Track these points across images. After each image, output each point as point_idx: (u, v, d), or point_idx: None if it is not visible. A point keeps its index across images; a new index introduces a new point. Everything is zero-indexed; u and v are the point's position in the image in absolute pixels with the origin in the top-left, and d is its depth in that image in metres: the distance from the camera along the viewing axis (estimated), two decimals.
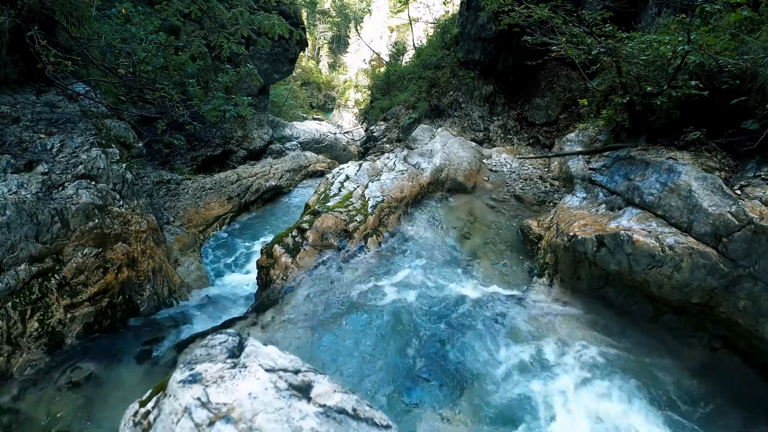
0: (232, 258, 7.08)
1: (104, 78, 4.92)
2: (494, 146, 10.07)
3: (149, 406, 1.34)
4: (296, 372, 1.37)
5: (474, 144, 9.21)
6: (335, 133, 18.99)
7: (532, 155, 9.20)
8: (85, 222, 3.71)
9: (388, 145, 11.39)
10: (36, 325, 3.27)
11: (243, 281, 6.14)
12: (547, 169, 8.30)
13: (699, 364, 3.51)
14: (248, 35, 6.49)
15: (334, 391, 1.31)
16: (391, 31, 30.47)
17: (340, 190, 6.01)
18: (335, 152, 16.68)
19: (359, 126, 22.97)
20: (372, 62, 29.43)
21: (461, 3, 11.36)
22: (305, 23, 16.04)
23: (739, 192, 3.52)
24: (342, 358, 3.67)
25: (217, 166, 10.22)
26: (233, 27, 6.42)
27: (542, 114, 10.10)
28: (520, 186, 7.63)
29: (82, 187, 3.82)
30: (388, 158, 7.44)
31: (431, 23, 22.38)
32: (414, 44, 19.23)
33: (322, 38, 38.57)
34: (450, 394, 3.37)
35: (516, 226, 6.03)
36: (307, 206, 6.00)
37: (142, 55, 4.76)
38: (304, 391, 1.28)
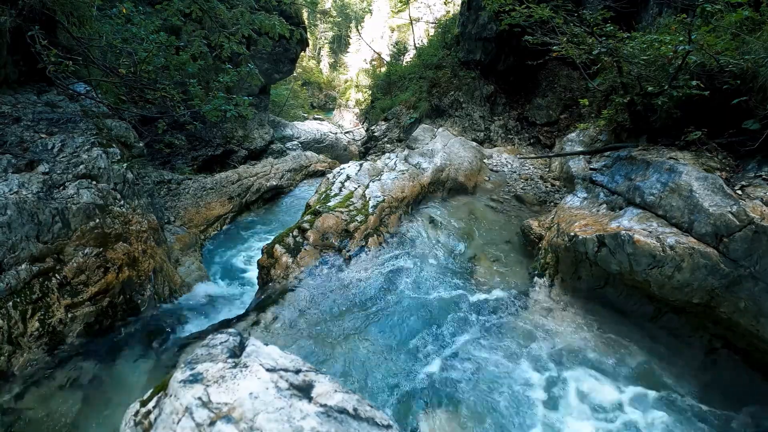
0: (233, 258, 7.08)
1: (105, 78, 4.93)
2: (495, 146, 10.07)
3: (150, 405, 1.34)
4: (297, 372, 1.37)
5: (475, 144, 9.20)
6: (336, 133, 19.01)
7: (532, 155, 9.19)
8: (85, 222, 3.71)
9: (388, 145, 11.38)
10: (37, 324, 3.28)
11: (244, 281, 6.14)
12: (547, 169, 8.30)
13: (699, 364, 3.51)
14: (249, 35, 6.50)
15: (335, 390, 1.31)
16: (392, 30, 30.51)
17: (340, 190, 6.01)
18: (336, 152, 16.70)
19: (360, 126, 23.00)
20: (373, 62, 29.45)
21: (462, 3, 11.35)
22: (306, 23, 16.05)
23: (739, 192, 3.52)
24: (343, 357, 3.67)
25: (218, 165, 10.22)
26: (234, 27, 6.42)
27: (543, 114, 10.08)
28: (521, 186, 7.63)
29: (83, 186, 3.82)
30: (388, 158, 7.44)
31: (432, 23, 22.37)
32: (415, 44, 19.22)
33: (323, 38, 38.58)
34: (450, 393, 3.37)
35: (517, 226, 6.02)
36: (307, 206, 6.00)
37: (143, 55, 4.76)
38: (304, 390, 1.29)
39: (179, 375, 1.31)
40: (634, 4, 7.80)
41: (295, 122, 18.51)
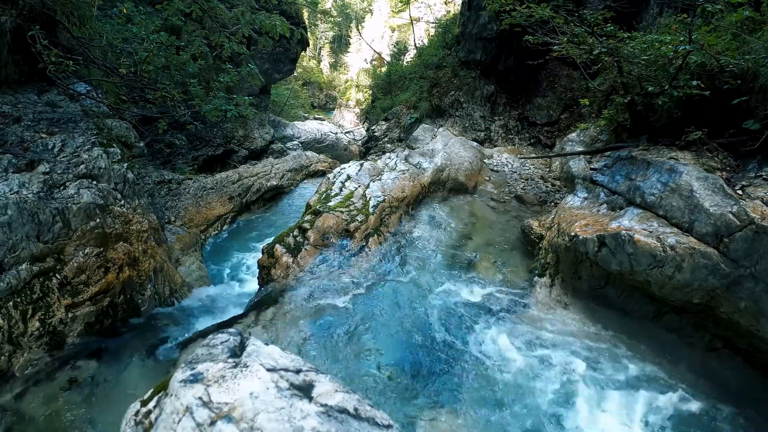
0: (233, 257, 7.09)
1: (106, 78, 4.92)
2: (495, 146, 10.06)
3: (151, 405, 1.34)
4: (297, 371, 1.37)
5: (475, 144, 9.20)
6: (336, 133, 19.03)
7: (533, 155, 9.19)
8: (86, 221, 3.71)
9: (389, 145, 11.37)
10: (37, 324, 3.28)
11: (244, 281, 6.14)
12: (548, 169, 8.30)
13: (700, 364, 3.51)
14: (249, 35, 6.49)
15: (336, 390, 1.31)
16: (393, 30, 30.48)
17: (341, 190, 6.01)
18: (336, 152, 16.71)
19: (360, 126, 23.00)
20: (373, 62, 29.44)
21: (462, 3, 11.34)
22: (306, 23, 16.04)
23: (740, 192, 3.52)
24: (343, 357, 3.67)
25: (219, 165, 10.22)
26: (234, 27, 6.42)
27: (543, 114, 10.08)
28: (522, 186, 7.63)
29: (83, 186, 3.82)
30: (389, 158, 7.44)
31: (432, 23, 22.37)
32: (415, 44, 19.22)
33: (324, 38, 38.56)
34: (450, 394, 3.37)
35: (517, 226, 6.02)
36: (308, 206, 5.99)
37: (144, 55, 4.76)
38: (305, 390, 1.29)
39: (180, 375, 1.31)
40: (635, 4, 7.79)
41: (295, 122, 18.53)
